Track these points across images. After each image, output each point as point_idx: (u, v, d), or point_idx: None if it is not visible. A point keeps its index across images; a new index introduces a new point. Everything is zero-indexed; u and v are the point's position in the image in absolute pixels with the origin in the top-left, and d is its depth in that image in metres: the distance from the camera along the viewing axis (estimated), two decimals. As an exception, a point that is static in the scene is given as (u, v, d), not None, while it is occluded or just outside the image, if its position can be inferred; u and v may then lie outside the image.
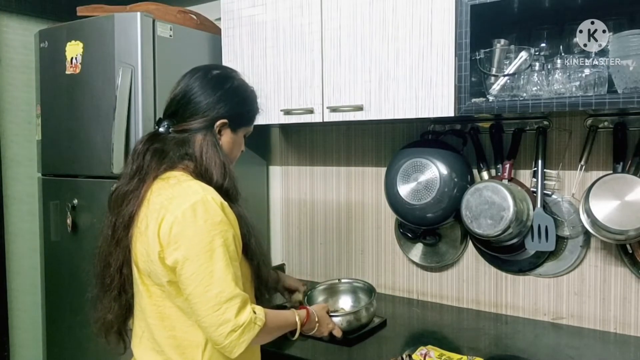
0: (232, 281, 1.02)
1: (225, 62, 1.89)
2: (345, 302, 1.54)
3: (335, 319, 1.33)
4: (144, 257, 1.08)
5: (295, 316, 1.21)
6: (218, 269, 1.01)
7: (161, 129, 1.16)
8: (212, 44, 1.98)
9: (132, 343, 1.20)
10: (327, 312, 1.34)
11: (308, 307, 1.29)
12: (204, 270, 1.01)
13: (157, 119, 1.20)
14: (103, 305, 1.17)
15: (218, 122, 1.15)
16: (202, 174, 1.12)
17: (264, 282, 1.18)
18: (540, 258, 1.63)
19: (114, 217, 1.14)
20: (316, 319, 1.27)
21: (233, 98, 1.18)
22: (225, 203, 1.08)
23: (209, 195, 1.05)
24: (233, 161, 1.23)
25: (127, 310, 1.18)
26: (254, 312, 1.05)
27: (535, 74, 1.42)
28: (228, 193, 1.12)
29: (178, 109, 1.16)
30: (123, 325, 1.20)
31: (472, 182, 1.69)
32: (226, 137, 1.18)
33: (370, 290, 1.48)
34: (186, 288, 1.02)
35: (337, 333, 1.33)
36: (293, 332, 1.21)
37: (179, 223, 1.02)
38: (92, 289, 1.19)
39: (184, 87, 1.17)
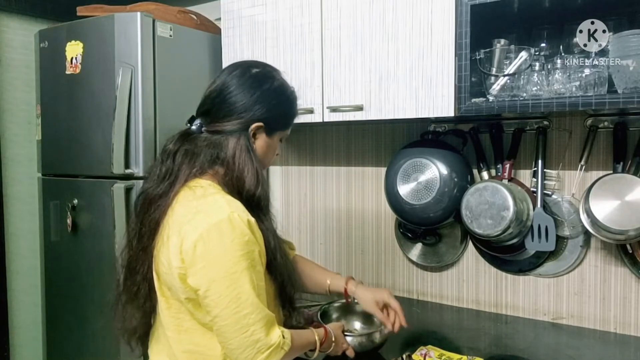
0: (260, 302, 0.99)
1: (225, 63, 1.89)
2: (359, 323, 1.52)
3: (349, 339, 1.30)
4: (165, 268, 1.04)
5: (315, 336, 1.18)
6: (245, 292, 0.97)
7: (193, 128, 1.10)
8: (212, 44, 1.98)
9: (151, 349, 1.18)
10: (343, 331, 1.29)
11: (326, 326, 1.26)
12: (230, 292, 0.97)
13: (190, 116, 1.14)
14: (128, 313, 1.14)
15: (253, 126, 1.08)
16: (232, 182, 1.06)
17: (289, 298, 1.14)
18: (540, 258, 1.63)
19: (139, 222, 1.09)
20: (333, 339, 1.23)
21: (271, 100, 1.10)
22: (253, 220, 1.02)
23: (236, 212, 0.99)
24: (266, 166, 1.17)
25: (151, 317, 1.16)
26: (283, 337, 1.02)
27: (535, 74, 1.42)
28: (260, 203, 1.06)
29: (212, 108, 1.10)
30: (145, 331, 1.18)
31: (472, 182, 1.69)
32: (260, 142, 1.11)
33: None
34: (212, 310, 0.98)
35: (350, 353, 1.28)
36: (312, 350, 1.18)
37: (204, 242, 0.97)
38: (112, 292, 1.16)
39: (220, 84, 1.10)
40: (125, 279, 1.13)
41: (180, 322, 1.07)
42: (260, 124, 1.09)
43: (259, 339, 0.98)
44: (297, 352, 1.12)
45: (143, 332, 1.17)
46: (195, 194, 1.03)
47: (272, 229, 1.09)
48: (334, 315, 1.48)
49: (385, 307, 1.34)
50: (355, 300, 1.40)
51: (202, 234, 0.97)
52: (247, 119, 1.08)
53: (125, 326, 1.15)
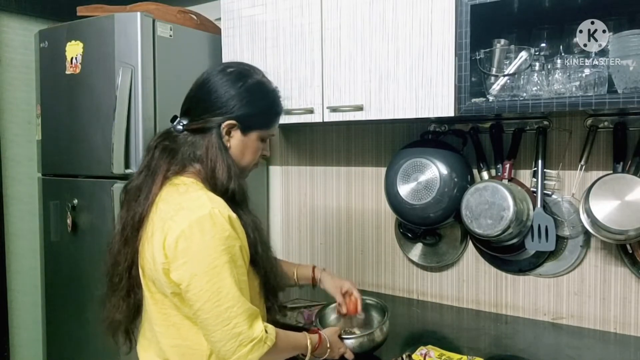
0: (242, 296, 1.00)
1: (225, 62, 1.89)
2: (358, 322, 1.50)
3: (350, 341, 1.28)
4: (149, 264, 1.06)
5: (307, 340, 1.16)
6: (226, 286, 0.99)
7: (177, 127, 1.13)
8: (212, 44, 1.98)
9: (140, 345, 1.18)
10: (339, 336, 1.28)
11: (321, 331, 1.23)
12: (211, 286, 0.98)
13: (172, 116, 1.18)
14: (111, 304, 1.15)
15: (224, 124, 1.10)
16: (208, 178, 1.08)
17: (273, 291, 1.15)
18: (540, 258, 1.63)
19: (124, 214, 1.12)
20: (328, 345, 1.21)
21: (244, 98, 1.11)
22: (234, 216, 1.04)
23: (217, 208, 1.01)
24: (247, 166, 1.17)
25: (135, 311, 1.16)
26: (266, 331, 1.02)
27: (535, 74, 1.42)
28: (234, 197, 1.08)
29: (191, 107, 1.13)
30: (130, 325, 1.18)
31: (472, 182, 1.69)
32: (236, 140, 1.13)
33: (382, 309, 1.41)
34: (194, 304, 1.00)
35: (349, 356, 1.27)
36: (304, 354, 1.16)
37: (185, 238, 0.99)
38: (102, 286, 1.18)
39: (199, 84, 1.14)
40: (110, 270, 1.15)
41: (168, 316, 1.08)
42: (233, 122, 1.11)
43: (241, 331, 0.99)
44: (285, 352, 1.11)
45: (128, 326, 1.17)
46: (178, 191, 1.06)
47: (251, 223, 1.10)
48: (332, 317, 1.47)
49: (347, 293, 1.39)
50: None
51: (184, 229, 0.99)
52: (220, 117, 1.10)
53: (109, 318, 1.16)
